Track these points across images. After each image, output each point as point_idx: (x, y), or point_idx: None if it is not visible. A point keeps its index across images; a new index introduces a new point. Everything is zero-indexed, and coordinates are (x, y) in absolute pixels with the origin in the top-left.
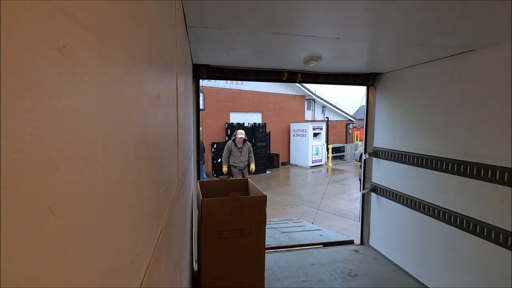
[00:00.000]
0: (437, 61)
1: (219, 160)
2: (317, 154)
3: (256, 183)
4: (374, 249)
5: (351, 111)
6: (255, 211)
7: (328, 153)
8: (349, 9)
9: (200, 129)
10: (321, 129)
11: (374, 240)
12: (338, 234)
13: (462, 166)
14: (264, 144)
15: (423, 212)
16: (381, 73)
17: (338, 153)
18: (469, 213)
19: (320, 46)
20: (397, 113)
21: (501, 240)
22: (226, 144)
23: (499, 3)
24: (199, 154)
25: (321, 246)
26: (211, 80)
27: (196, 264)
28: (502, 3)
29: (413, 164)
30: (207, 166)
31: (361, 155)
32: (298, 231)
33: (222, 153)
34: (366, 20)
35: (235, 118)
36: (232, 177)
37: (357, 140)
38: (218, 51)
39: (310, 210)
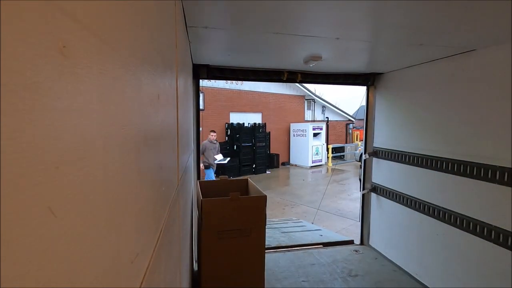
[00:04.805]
0: (437, 61)
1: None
2: (317, 154)
3: (256, 183)
4: (374, 249)
5: (351, 111)
6: (255, 211)
7: (328, 153)
8: (349, 9)
9: (200, 129)
10: (321, 129)
11: (374, 240)
12: (338, 234)
13: (462, 166)
14: (264, 144)
15: (423, 212)
16: (381, 73)
17: (338, 153)
18: (469, 213)
19: (320, 46)
20: (397, 113)
21: (501, 240)
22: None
23: (499, 3)
24: (199, 154)
25: (321, 246)
26: (211, 80)
27: (196, 264)
28: (502, 3)
29: (413, 164)
30: None
31: (361, 155)
32: (298, 231)
33: (222, 153)
34: (366, 20)
35: (235, 118)
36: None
37: (357, 140)
38: (218, 51)
39: (310, 210)
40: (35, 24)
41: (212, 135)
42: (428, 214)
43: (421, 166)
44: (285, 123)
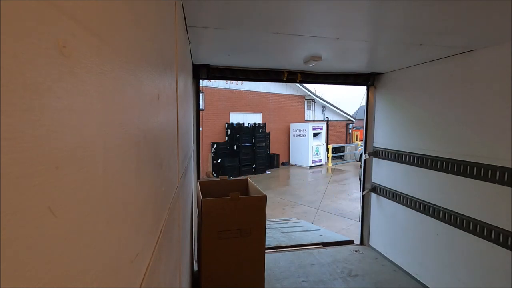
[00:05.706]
0: (437, 61)
1: (219, 160)
2: (317, 154)
3: (256, 183)
4: (374, 249)
5: (351, 111)
6: (255, 211)
7: (328, 153)
8: (349, 9)
9: (200, 129)
10: (321, 129)
11: (374, 240)
12: (338, 234)
13: (462, 166)
14: (264, 144)
15: (423, 212)
16: (381, 73)
17: (338, 153)
18: (469, 213)
19: (320, 46)
20: (397, 113)
21: (501, 240)
22: None
23: (499, 3)
24: (199, 154)
25: (321, 246)
26: (211, 80)
27: (196, 264)
28: (502, 3)
29: (413, 164)
30: (207, 166)
31: (361, 155)
32: (298, 231)
33: (222, 153)
34: (366, 20)
35: (235, 118)
36: None
37: (357, 140)
38: (218, 51)
39: (310, 210)
40: (35, 24)
41: None
42: (428, 214)
43: (421, 166)
44: (285, 123)
